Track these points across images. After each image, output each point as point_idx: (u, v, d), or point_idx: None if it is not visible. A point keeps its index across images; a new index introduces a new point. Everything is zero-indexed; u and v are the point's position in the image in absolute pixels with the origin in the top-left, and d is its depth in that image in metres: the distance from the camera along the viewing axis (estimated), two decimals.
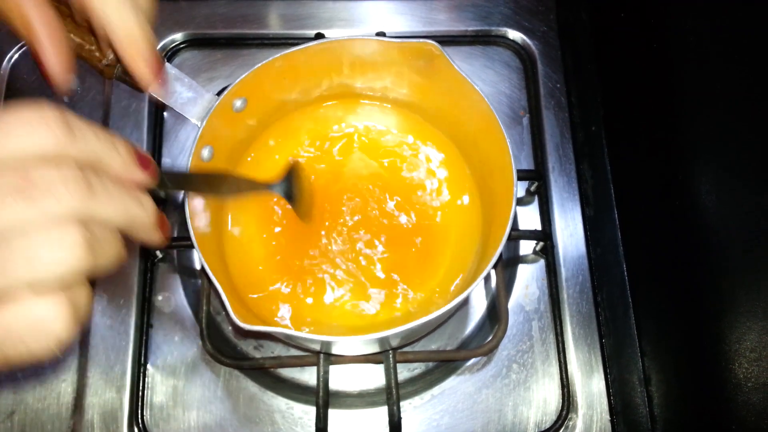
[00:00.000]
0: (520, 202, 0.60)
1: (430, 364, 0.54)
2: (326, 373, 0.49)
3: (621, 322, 0.56)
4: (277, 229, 0.52)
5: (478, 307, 0.56)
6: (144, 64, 0.37)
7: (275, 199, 0.53)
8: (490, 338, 0.52)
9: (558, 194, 0.59)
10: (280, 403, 0.52)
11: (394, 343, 0.48)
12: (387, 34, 0.60)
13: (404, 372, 0.54)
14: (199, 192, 0.44)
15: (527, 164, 0.61)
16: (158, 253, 0.56)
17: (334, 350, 0.49)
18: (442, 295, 0.50)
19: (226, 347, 0.54)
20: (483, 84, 0.63)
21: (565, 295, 0.56)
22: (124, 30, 0.35)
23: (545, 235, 0.56)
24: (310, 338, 0.40)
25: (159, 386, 0.52)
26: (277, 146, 0.55)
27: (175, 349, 0.53)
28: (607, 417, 0.52)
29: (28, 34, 0.31)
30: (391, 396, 0.48)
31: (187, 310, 0.54)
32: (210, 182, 0.42)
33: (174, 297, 0.55)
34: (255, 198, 0.53)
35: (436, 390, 0.53)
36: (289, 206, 0.53)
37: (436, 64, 0.48)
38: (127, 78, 0.43)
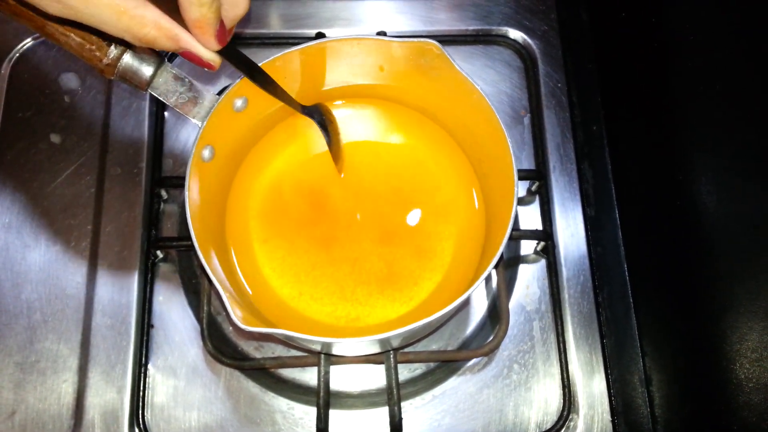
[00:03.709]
0: (521, 201, 0.60)
1: (431, 364, 0.54)
2: (327, 373, 0.49)
3: (622, 322, 0.56)
4: (280, 230, 0.52)
5: (479, 307, 0.56)
6: (212, 35, 0.39)
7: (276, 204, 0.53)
8: (491, 338, 0.52)
9: (559, 194, 0.59)
10: (281, 403, 0.52)
11: (395, 343, 0.48)
12: (388, 34, 0.60)
13: (405, 372, 0.54)
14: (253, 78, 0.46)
15: (528, 164, 0.60)
16: (159, 253, 0.56)
17: (335, 351, 0.49)
18: (443, 295, 0.50)
19: (227, 347, 0.54)
20: (484, 83, 0.63)
21: (566, 295, 0.56)
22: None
23: (546, 235, 0.56)
24: (310, 339, 0.40)
25: (160, 386, 0.52)
26: (279, 146, 0.55)
27: (176, 349, 0.53)
28: (608, 417, 0.52)
29: (178, 46, 0.38)
30: (392, 396, 0.48)
31: (188, 311, 0.54)
32: (261, 77, 0.46)
33: (175, 297, 0.55)
34: (258, 190, 0.53)
35: (437, 390, 0.53)
36: (286, 214, 0.53)
37: (437, 63, 0.48)
38: (127, 77, 0.43)
